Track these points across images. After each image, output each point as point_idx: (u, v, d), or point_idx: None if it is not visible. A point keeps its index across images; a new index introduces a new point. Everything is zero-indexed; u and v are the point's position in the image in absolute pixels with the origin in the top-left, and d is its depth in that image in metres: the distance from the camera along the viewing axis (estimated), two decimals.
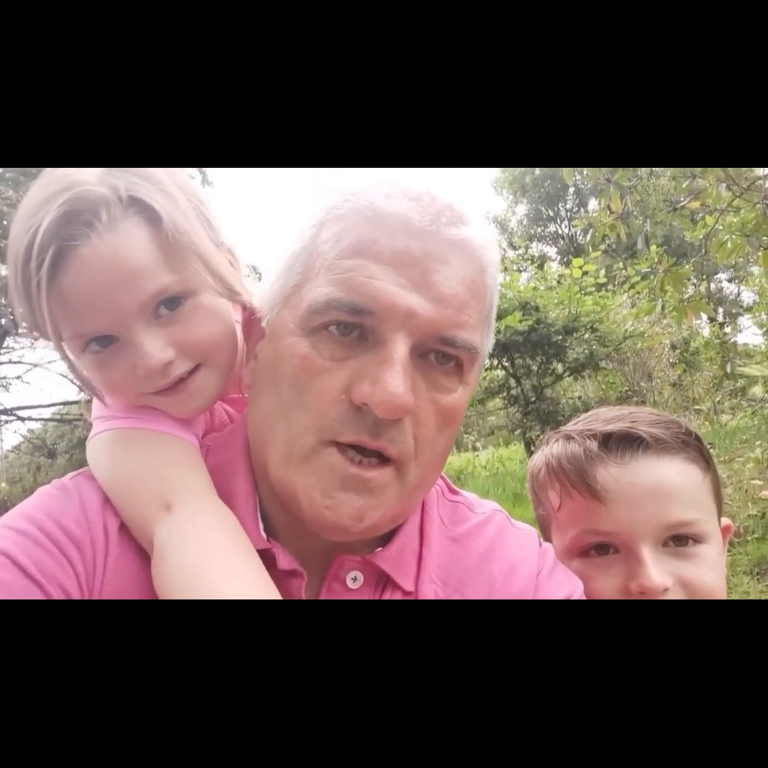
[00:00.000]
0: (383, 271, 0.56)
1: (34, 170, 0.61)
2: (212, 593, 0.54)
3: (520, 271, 8.95)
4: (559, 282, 7.90)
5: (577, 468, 0.80)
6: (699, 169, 3.35)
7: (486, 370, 7.30)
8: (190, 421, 0.69)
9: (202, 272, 0.63)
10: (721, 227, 3.64)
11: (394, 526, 0.65)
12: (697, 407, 8.43)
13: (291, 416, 0.58)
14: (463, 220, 0.59)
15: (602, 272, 8.08)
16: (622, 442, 0.80)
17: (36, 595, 0.54)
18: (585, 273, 7.60)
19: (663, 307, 3.86)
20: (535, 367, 7.88)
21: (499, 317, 6.52)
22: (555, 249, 25.34)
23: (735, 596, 3.24)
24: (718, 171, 3.20)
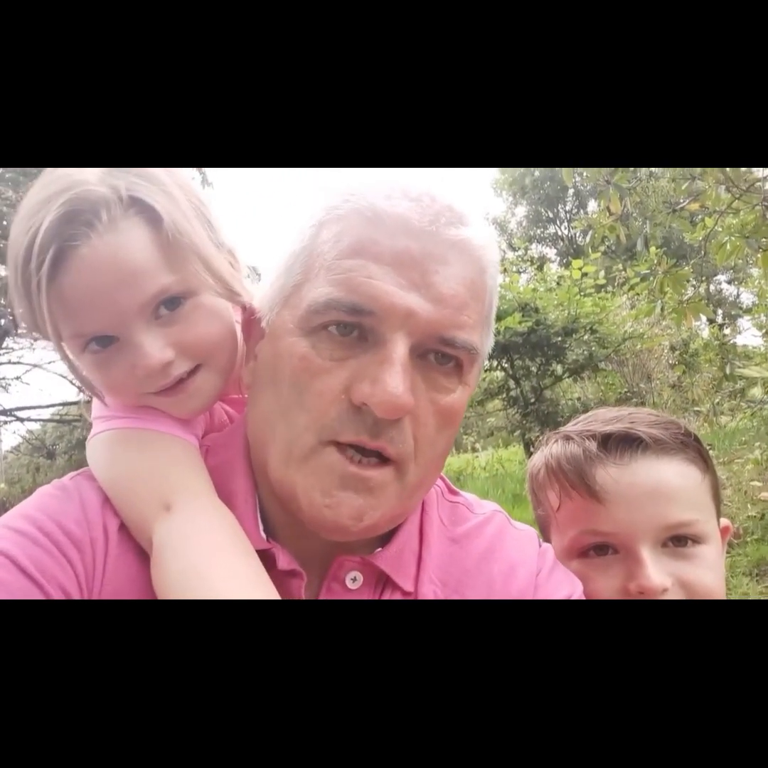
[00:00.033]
0: (383, 272, 0.56)
1: (34, 170, 0.61)
2: (211, 593, 0.54)
3: (519, 272, 8.96)
4: (558, 283, 7.91)
5: (576, 468, 0.80)
6: (698, 171, 3.35)
7: (485, 371, 7.29)
8: (190, 421, 0.69)
9: (202, 273, 0.63)
10: (720, 229, 3.65)
11: (394, 526, 0.65)
12: (696, 409, 8.43)
13: (291, 416, 0.59)
14: (463, 221, 0.59)
15: (602, 274, 8.09)
16: (621, 443, 0.80)
17: (36, 595, 0.54)
18: (584, 274, 7.61)
19: (662, 309, 3.86)
20: (534, 369, 7.89)
21: (499, 318, 6.52)
22: (554, 250, 25.35)
23: (734, 597, 3.24)
24: (718, 173, 3.20)
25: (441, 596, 0.66)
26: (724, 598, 0.81)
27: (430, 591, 0.66)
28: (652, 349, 8.46)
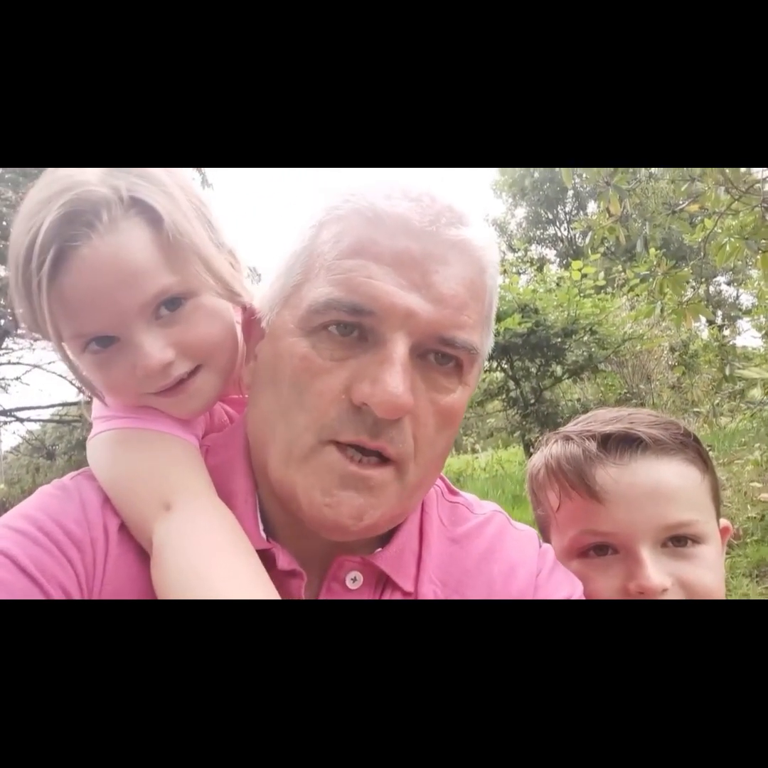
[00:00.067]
0: (383, 272, 0.56)
1: (34, 171, 0.61)
2: (211, 593, 0.54)
3: (519, 273, 8.95)
4: (558, 284, 7.92)
5: (576, 468, 0.80)
6: (698, 172, 3.36)
7: (485, 372, 7.30)
8: (190, 421, 0.69)
9: (202, 273, 0.63)
10: (719, 230, 3.65)
11: (394, 526, 0.65)
12: (696, 410, 8.44)
13: (291, 416, 0.59)
14: (463, 221, 0.59)
15: (601, 275, 8.09)
16: (620, 443, 0.80)
17: (36, 594, 0.54)
18: (584, 275, 7.61)
19: (662, 310, 3.86)
20: (534, 370, 7.89)
21: (498, 319, 6.51)
22: (554, 251, 25.37)
23: (734, 598, 3.24)
24: (717, 174, 3.21)
25: (441, 596, 0.66)
26: (724, 598, 0.81)
27: (430, 591, 0.66)
28: (652, 350, 8.47)
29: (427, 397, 0.59)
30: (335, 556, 0.63)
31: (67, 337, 0.62)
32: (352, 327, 0.57)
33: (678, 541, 0.78)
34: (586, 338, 7.59)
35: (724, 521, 0.86)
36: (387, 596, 0.65)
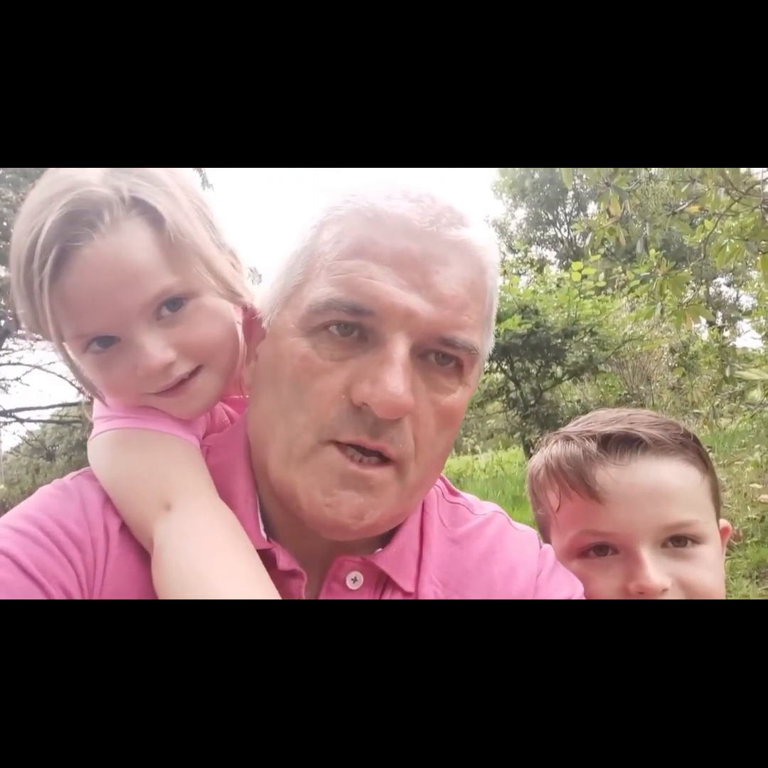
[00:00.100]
0: (383, 272, 0.56)
1: (35, 171, 0.62)
2: (211, 593, 0.54)
3: (519, 274, 8.96)
4: (558, 285, 7.92)
5: (576, 469, 0.80)
6: (698, 174, 3.36)
7: (485, 373, 7.30)
8: (191, 422, 0.69)
9: (204, 274, 0.63)
10: (719, 231, 3.65)
11: (394, 525, 0.65)
12: (696, 411, 8.44)
13: (291, 416, 0.59)
14: (464, 222, 0.59)
15: (601, 276, 8.09)
16: (620, 443, 0.80)
17: (36, 594, 0.54)
18: (584, 276, 7.61)
19: (662, 311, 3.86)
20: (534, 371, 7.89)
21: (499, 320, 6.52)
22: (554, 252, 25.38)
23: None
24: (717, 175, 3.21)
25: (441, 596, 0.66)
26: (724, 598, 0.81)
27: (431, 591, 0.66)
28: (652, 351, 8.47)
29: (427, 397, 0.59)
30: (335, 556, 0.64)
31: (69, 337, 0.62)
32: (353, 327, 0.58)
33: (678, 541, 0.78)
34: (586, 339, 7.59)
35: (723, 522, 0.86)
36: (387, 596, 0.65)
